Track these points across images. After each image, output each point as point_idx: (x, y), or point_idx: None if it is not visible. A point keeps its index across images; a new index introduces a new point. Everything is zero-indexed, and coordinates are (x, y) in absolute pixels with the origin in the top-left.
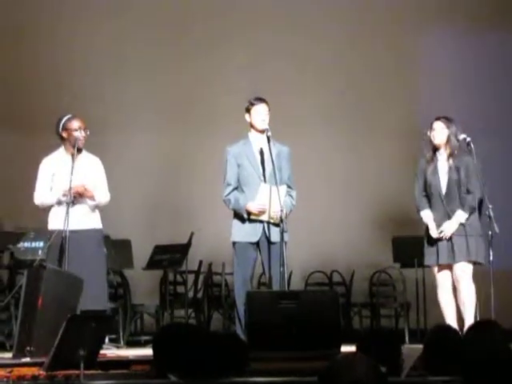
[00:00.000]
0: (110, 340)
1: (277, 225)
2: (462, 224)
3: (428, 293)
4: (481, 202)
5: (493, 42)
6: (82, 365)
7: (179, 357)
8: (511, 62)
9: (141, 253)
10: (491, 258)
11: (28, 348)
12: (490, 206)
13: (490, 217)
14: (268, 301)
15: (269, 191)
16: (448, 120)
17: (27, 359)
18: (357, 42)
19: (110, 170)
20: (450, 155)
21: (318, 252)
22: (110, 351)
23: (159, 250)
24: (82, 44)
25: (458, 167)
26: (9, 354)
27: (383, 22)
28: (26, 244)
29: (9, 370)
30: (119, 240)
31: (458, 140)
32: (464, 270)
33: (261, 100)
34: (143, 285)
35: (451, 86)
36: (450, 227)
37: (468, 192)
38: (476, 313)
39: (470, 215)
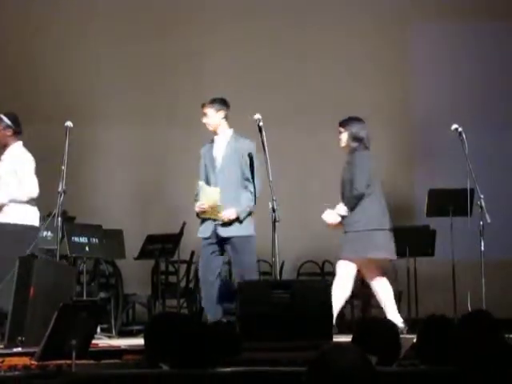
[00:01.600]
0: (102, 330)
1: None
2: (355, 222)
3: (419, 282)
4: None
5: (482, 33)
6: (73, 354)
7: (171, 346)
8: (501, 52)
9: (133, 243)
10: (482, 248)
11: (19, 338)
12: (482, 196)
13: (481, 207)
14: (260, 290)
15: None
16: (345, 122)
17: (19, 349)
18: (347, 36)
19: (101, 161)
20: (348, 154)
21: (310, 242)
22: (101, 341)
23: (151, 239)
24: (71, 35)
25: (346, 166)
26: (0, 344)
27: (372, 15)
28: None
29: (0, 359)
30: (111, 230)
31: (359, 139)
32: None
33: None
34: (135, 274)
35: (441, 75)
36: (326, 216)
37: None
38: (468, 302)
39: (351, 209)
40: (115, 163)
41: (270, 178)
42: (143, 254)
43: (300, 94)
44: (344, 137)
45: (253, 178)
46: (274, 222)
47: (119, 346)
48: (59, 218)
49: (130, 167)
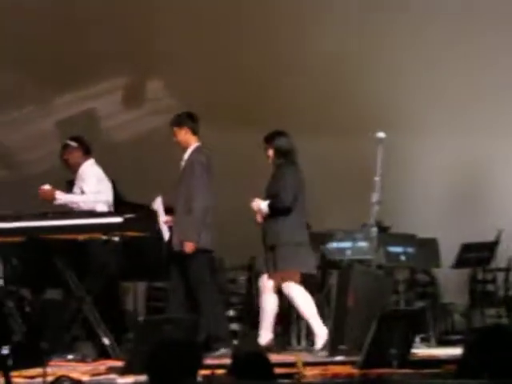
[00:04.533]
0: (421, 339)
1: None
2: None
3: None
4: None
5: None
6: (394, 364)
7: (493, 359)
8: None
9: (448, 251)
10: None
11: (341, 346)
12: None
13: None
14: None
15: None
16: (269, 137)
17: (341, 357)
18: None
19: (415, 171)
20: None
21: None
22: (420, 350)
23: (466, 248)
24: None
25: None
26: (323, 353)
27: None
28: (335, 244)
29: (324, 367)
30: (425, 239)
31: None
32: None
33: None
34: (452, 283)
35: None
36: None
37: None
38: None
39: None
40: (430, 173)
41: None
42: (459, 262)
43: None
44: (270, 152)
45: None
46: None
47: (438, 356)
48: (374, 228)
49: (446, 177)
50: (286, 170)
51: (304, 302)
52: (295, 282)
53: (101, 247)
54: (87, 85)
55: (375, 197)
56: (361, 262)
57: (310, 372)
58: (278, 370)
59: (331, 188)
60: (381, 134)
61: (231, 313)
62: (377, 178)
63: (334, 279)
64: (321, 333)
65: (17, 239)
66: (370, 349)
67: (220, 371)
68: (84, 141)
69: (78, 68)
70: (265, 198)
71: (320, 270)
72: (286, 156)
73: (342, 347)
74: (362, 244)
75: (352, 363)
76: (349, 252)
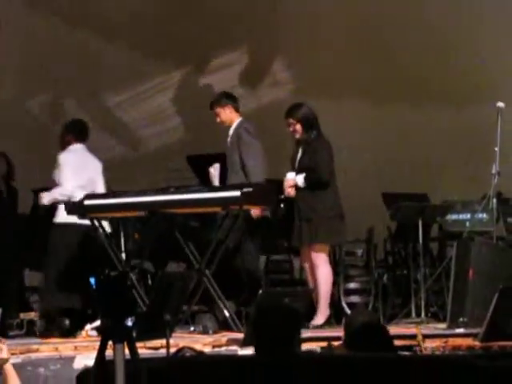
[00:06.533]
0: None
1: None
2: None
3: None
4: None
5: None
6: None
7: None
8: None
9: None
10: None
11: (461, 319)
12: None
13: None
14: None
15: None
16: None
17: (461, 330)
18: None
19: None
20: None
21: None
22: None
23: None
24: None
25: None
26: (442, 325)
27: None
28: (454, 216)
29: (444, 340)
30: None
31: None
32: None
33: None
34: None
35: None
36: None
37: None
38: None
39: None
40: None
41: None
42: None
43: None
44: (298, 126)
45: None
46: None
47: None
48: (494, 200)
49: None
50: (320, 144)
51: (326, 277)
52: (325, 254)
53: (219, 221)
54: (203, 61)
55: (495, 167)
56: (480, 234)
57: (430, 344)
58: (397, 342)
59: (450, 158)
60: (500, 104)
61: (352, 285)
62: (497, 149)
63: (452, 251)
64: (324, 313)
65: (138, 214)
66: (491, 321)
67: (336, 343)
68: (78, 125)
69: (194, 45)
70: (296, 172)
71: (438, 241)
72: (314, 126)
73: (462, 320)
74: (482, 216)
75: (473, 336)
76: (468, 224)
